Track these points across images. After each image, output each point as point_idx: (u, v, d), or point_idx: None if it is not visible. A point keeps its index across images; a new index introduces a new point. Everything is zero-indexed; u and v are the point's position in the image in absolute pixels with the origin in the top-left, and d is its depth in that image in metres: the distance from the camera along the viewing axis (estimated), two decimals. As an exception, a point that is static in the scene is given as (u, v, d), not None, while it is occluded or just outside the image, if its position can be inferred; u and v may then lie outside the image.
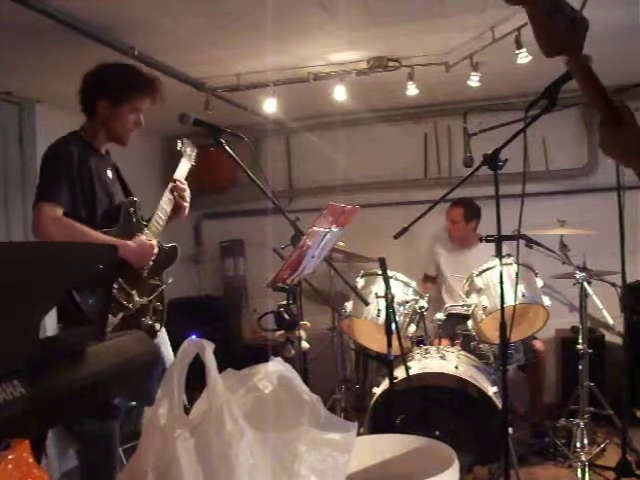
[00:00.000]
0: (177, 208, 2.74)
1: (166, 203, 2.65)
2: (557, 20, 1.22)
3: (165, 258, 2.69)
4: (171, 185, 2.70)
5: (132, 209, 2.57)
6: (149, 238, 2.53)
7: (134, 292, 2.45)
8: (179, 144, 2.80)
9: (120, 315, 2.36)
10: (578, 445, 3.50)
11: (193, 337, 1.43)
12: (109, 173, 2.62)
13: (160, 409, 1.33)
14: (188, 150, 2.82)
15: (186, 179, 2.77)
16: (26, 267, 1.15)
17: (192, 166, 2.82)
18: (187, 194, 2.75)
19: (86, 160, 2.48)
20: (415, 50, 3.59)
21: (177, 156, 2.81)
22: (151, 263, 2.54)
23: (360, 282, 3.63)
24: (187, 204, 2.76)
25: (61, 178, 2.39)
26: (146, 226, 2.59)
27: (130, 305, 2.41)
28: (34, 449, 1.18)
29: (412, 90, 3.90)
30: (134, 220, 2.57)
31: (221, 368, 1.36)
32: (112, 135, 2.59)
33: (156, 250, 2.55)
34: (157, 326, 2.59)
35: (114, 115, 2.53)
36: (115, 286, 2.36)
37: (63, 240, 2.35)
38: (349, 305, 3.56)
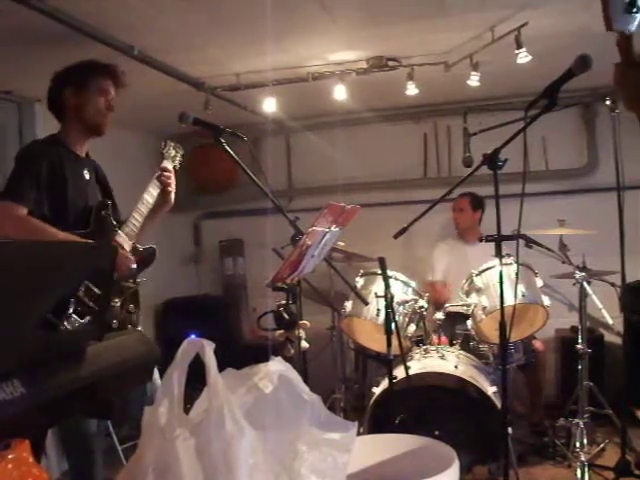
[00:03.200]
0: (163, 198, 2.73)
1: (144, 204, 2.63)
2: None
3: (141, 260, 2.64)
4: (157, 173, 2.70)
5: (104, 212, 2.54)
6: (122, 246, 2.49)
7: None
8: (162, 145, 2.82)
9: (88, 318, 2.32)
10: (577, 445, 3.50)
11: (192, 337, 1.43)
12: (86, 175, 2.60)
13: (160, 408, 1.33)
14: (172, 152, 2.83)
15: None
16: (26, 266, 1.15)
17: (174, 167, 2.82)
18: (172, 182, 2.75)
19: (59, 162, 2.46)
20: (415, 50, 3.59)
21: (159, 157, 2.83)
22: (126, 268, 2.48)
23: (360, 282, 3.62)
24: (172, 191, 2.76)
25: (25, 178, 2.37)
26: (119, 228, 2.57)
27: (97, 308, 2.37)
28: (34, 449, 1.18)
29: (412, 90, 3.90)
30: (107, 222, 2.54)
31: (220, 368, 1.36)
32: (86, 125, 2.57)
33: (133, 265, 2.50)
34: (129, 327, 2.54)
35: (82, 101, 2.53)
36: (81, 289, 2.32)
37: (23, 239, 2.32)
38: (349, 305, 3.55)
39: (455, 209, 4.63)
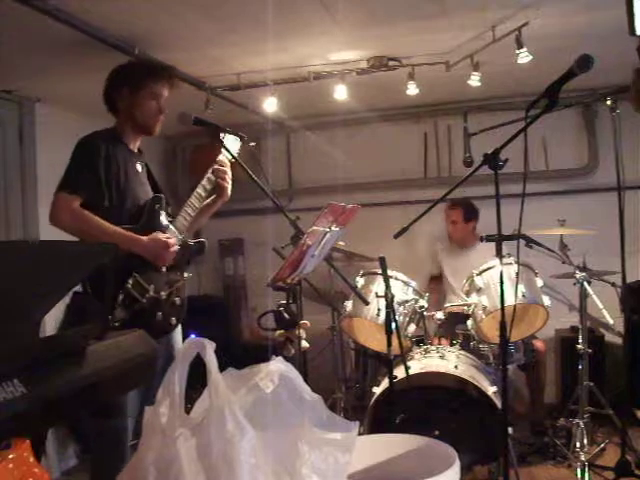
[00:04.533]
0: (219, 191, 2.76)
1: (196, 197, 2.65)
2: None
3: (190, 253, 2.69)
4: (212, 168, 2.71)
5: (157, 205, 2.58)
6: (168, 235, 2.53)
7: (151, 287, 2.45)
8: (221, 135, 2.75)
9: (131, 310, 2.36)
10: (578, 445, 3.50)
11: (192, 336, 1.43)
12: (139, 169, 2.65)
13: (161, 408, 1.33)
14: (230, 143, 2.78)
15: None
16: (26, 266, 1.15)
17: (234, 157, 2.77)
18: (228, 176, 2.76)
19: (115, 154, 2.51)
20: (415, 49, 3.59)
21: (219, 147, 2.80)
22: (169, 260, 2.53)
23: (360, 281, 3.62)
24: (229, 185, 2.77)
25: (83, 169, 2.42)
26: (171, 223, 2.60)
27: (143, 300, 2.41)
28: (34, 448, 1.18)
29: (412, 89, 3.90)
30: (158, 217, 2.57)
31: (220, 368, 1.36)
32: (137, 125, 2.61)
33: (175, 248, 2.53)
34: (173, 320, 2.58)
35: (134, 103, 2.57)
36: (130, 281, 2.38)
37: (76, 230, 2.41)
38: (349, 304, 3.56)
39: (447, 221, 4.60)
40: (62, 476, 3.80)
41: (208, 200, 2.78)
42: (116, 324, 2.28)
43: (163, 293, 2.51)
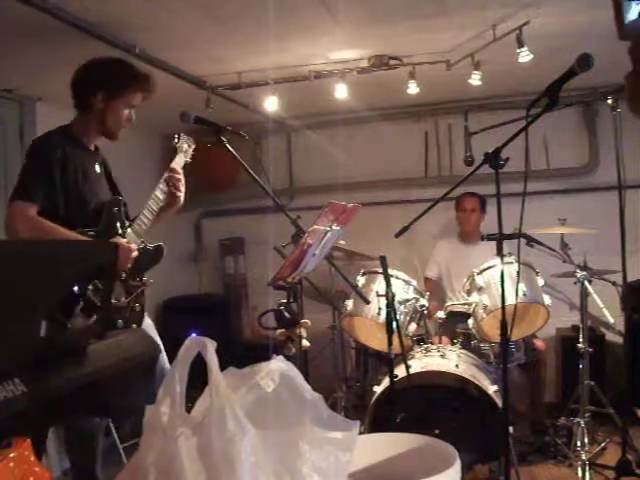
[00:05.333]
0: (172, 199, 2.71)
1: (155, 201, 2.61)
2: None
3: (148, 258, 2.64)
4: (166, 175, 2.67)
5: (116, 208, 2.54)
6: (128, 240, 2.49)
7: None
8: (175, 139, 2.79)
9: (94, 317, 2.32)
10: (578, 444, 3.50)
11: (193, 335, 1.43)
12: (97, 169, 2.61)
13: (162, 407, 1.33)
14: (185, 146, 2.80)
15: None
16: (27, 265, 1.15)
17: (186, 162, 2.80)
18: (182, 184, 2.72)
19: (72, 156, 2.46)
20: (416, 48, 3.59)
21: (172, 151, 2.80)
22: (129, 266, 2.49)
23: (361, 280, 3.63)
24: (181, 194, 2.73)
25: (38, 176, 2.37)
26: (130, 226, 2.56)
27: (104, 307, 2.37)
28: (35, 447, 1.18)
29: (413, 88, 3.90)
30: (117, 220, 2.53)
31: (221, 367, 1.36)
32: (104, 129, 2.57)
33: (135, 253, 2.49)
34: (134, 327, 2.54)
35: (109, 109, 2.52)
36: (90, 287, 2.30)
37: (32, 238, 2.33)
38: (350, 303, 3.56)
39: (465, 209, 4.55)
40: (63, 475, 3.79)
41: (161, 205, 2.70)
42: None
43: (123, 299, 2.49)
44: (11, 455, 1.10)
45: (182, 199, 2.76)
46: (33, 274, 1.16)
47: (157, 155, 5.46)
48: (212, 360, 1.32)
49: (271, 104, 4.10)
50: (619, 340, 4.29)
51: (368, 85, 4.11)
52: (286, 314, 2.35)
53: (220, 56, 3.56)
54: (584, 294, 3.64)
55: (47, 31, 2.85)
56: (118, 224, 2.53)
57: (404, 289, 3.57)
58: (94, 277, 2.32)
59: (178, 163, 2.76)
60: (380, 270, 3.00)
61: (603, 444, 3.70)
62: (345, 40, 3.44)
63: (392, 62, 3.73)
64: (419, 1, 2.93)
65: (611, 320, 3.87)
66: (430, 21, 3.19)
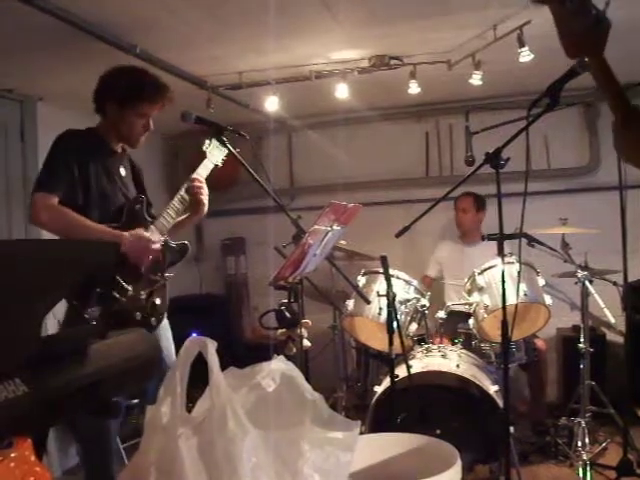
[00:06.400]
0: (195, 206, 2.72)
1: (178, 201, 2.62)
2: (581, 21, 1.24)
3: (172, 255, 2.67)
4: (187, 184, 2.66)
5: (138, 206, 2.56)
6: (150, 233, 2.51)
7: (130, 287, 2.41)
8: (205, 144, 2.71)
9: (110, 309, 2.33)
10: (579, 444, 3.50)
11: (194, 335, 1.43)
12: (122, 170, 2.63)
13: (162, 407, 1.33)
14: (215, 152, 2.73)
15: (207, 178, 2.75)
16: (28, 265, 1.15)
17: (216, 166, 2.75)
18: (204, 192, 2.72)
19: (95, 155, 2.49)
20: (417, 48, 3.59)
21: (201, 156, 2.75)
22: (150, 257, 2.50)
23: (361, 280, 3.62)
24: (205, 202, 2.74)
25: (59, 167, 2.39)
26: (152, 223, 2.57)
27: (123, 299, 2.38)
28: (36, 447, 1.18)
29: (414, 88, 3.90)
30: (139, 216, 2.55)
31: (222, 367, 1.36)
32: (120, 136, 2.60)
33: (157, 246, 2.51)
34: (152, 321, 2.56)
35: (121, 118, 2.54)
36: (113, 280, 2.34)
37: (58, 228, 2.39)
38: (350, 303, 3.55)
39: (458, 209, 4.61)
40: (64, 475, 3.80)
41: (184, 216, 2.72)
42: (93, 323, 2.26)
43: (143, 293, 2.49)
44: (12, 455, 1.10)
45: (205, 210, 2.76)
46: (33, 274, 1.16)
47: (157, 155, 5.46)
48: (213, 360, 1.32)
49: (272, 104, 4.10)
50: (620, 340, 4.29)
51: (369, 85, 4.11)
52: (287, 314, 2.35)
53: (221, 56, 3.56)
54: (585, 294, 3.64)
55: (48, 31, 2.85)
56: (139, 219, 2.55)
57: (405, 289, 3.57)
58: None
59: (203, 168, 2.72)
60: (381, 270, 3.00)
61: (604, 444, 3.70)
62: (346, 40, 3.44)
63: (393, 62, 3.72)
64: (420, 1, 2.93)
65: (612, 320, 3.86)
66: (431, 21, 3.19)
